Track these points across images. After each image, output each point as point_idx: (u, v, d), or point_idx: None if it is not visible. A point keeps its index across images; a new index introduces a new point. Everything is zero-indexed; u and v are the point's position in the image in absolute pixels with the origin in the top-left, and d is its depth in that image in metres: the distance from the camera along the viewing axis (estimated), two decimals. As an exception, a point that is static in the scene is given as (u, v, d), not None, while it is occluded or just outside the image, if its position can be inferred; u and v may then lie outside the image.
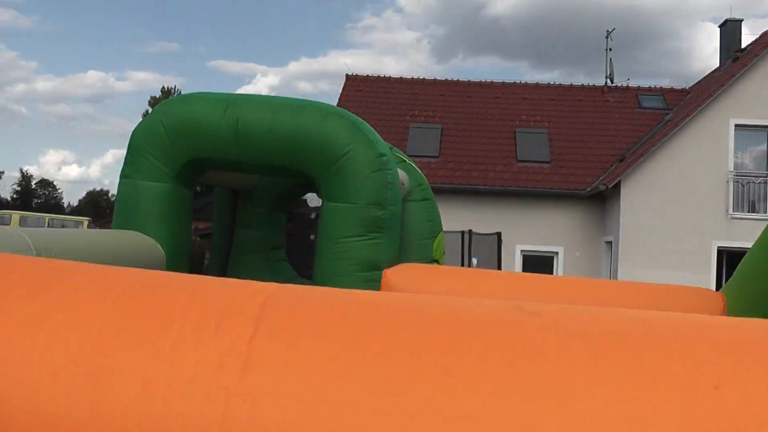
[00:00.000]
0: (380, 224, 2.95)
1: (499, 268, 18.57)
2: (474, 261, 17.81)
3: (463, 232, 17.92)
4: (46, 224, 33.89)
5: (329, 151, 2.94)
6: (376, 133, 3.04)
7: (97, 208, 65.64)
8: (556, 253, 21.29)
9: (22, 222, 34.56)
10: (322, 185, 3.00)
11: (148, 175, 3.11)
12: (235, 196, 3.95)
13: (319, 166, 2.97)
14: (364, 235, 2.94)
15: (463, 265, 17.43)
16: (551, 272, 21.11)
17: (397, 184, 3.03)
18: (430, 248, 3.94)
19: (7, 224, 34.05)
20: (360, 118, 3.05)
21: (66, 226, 33.89)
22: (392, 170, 2.97)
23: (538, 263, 21.28)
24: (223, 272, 4.05)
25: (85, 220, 37.04)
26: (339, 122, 2.95)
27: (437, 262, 4.01)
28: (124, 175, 3.17)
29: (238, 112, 3.02)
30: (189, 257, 3.29)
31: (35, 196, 70.41)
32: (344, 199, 2.94)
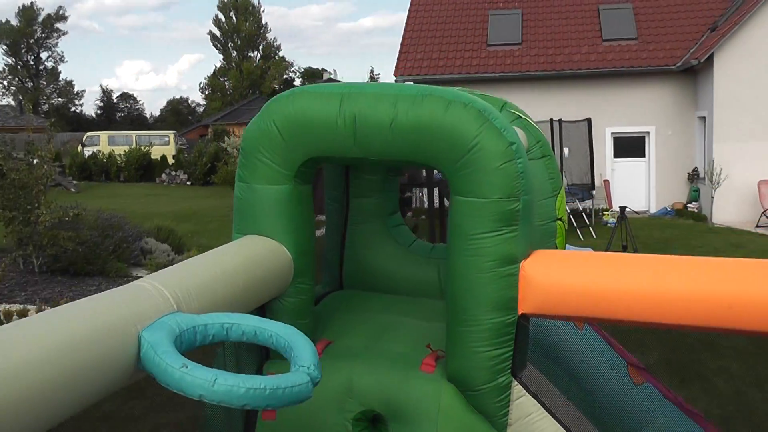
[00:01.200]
0: (514, 217, 2.79)
1: (591, 155, 18.18)
2: (565, 151, 17.43)
3: (552, 121, 17.50)
4: (134, 141, 34.64)
5: (456, 143, 2.76)
6: (504, 118, 2.83)
7: (178, 115, 66.53)
8: (648, 132, 20.78)
9: (111, 141, 35.47)
10: (450, 179, 2.84)
11: (265, 178, 3.00)
12: (346, 167, 3.81)
13: (446, 160, 2.80)
14: (498, 230, 2.78)
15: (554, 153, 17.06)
16: (643, 153, 20.59)
17: (528, 171, 2.84)
18: (553, 207, 3.76)
19: (96, 145, 34.91)
20: (487, 104, 2.84)
21: (153, 142, 34.57)
22: (522, 158, 2.78)
23: (629, 145, 20.78)
24: (341, 245, 3.96)
25: (171, 133, 37.76)
26: (464, 112, 2.76)
27: (561, 220, 3.83)
28: (240, 179, 3.07)
29: (355, 106, 2.85)
30: (314, 254, 3.20)
31: (118, 110, 71.70)
32: (475, 194, 2.78)
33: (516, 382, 2.93)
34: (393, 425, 3.01)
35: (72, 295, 11.28)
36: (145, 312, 2.12)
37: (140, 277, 9.78)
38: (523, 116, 3.79)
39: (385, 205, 3.96)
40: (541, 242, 3.72)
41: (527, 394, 2.94)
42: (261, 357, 3.23)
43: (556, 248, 3.82)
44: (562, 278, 2.83)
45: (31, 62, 73.88)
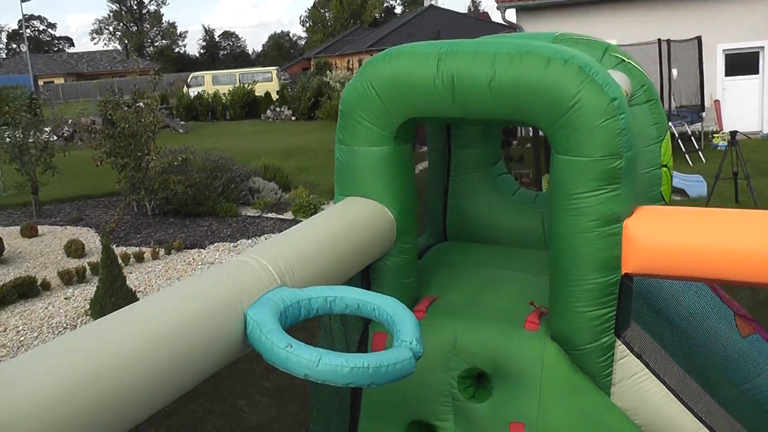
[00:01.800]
0: (617, 175, 2.73)
1: (701, 76, 17.48)
2: (674, 72, 16.82)
3: (660, 42, 16.87)
4: (237, 80, 35.14)
5: (556, 102, 2.71)
6: (606, 72, 2.75)
7: (281, 50, 66.91)
8: (762, 47, 19.82)
9: (215, 81, 36.11)
10: (551, 137, 2.79)
11: (365, 140, 3.01)
12: (447, 118, 3.79)
13: (546, 119, 2.75)
14: (600, 189, 2.73)
15: (661, 77, 16.58)
16: (756, 70, 19.71)
17: (631, 126, 2.77)
18: (658, 153, 3.66)
19: (201, 85, 35.57)
20: (588, 57, 2.77)
21: (256, 80, 35.01)
22: (625, 113, 2.71)
23: (742, 62, 19.88)
24: (444, 196, 3.97)
25: (273, 69, 38.12)
26: (564, 69, 2.70)
27: (666, 167, 3.73)
28: (340, 141, 3.09)
29: (453, 66, 2.82)
30: (417, 212, 3.22)
31: (220, 48, 72.61)
32: (576, 153, 2.73)
33: (620, 342, 2.91)
34: (497, 383, 3.04)
35: (184, 237, 11.67)
36: (250, 289, 2.18)
37: (250, 216, 9.99)
38: (627, 59, 3.68)
39: (486, 155, 3.93)
40: (646, 190, 3.65)
41: (631, 354, 2.92)
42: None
43: (662, 196, 3.74)
44: (666, 237, 2.77)
45: (135, 6, 75.36)
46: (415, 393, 3.14)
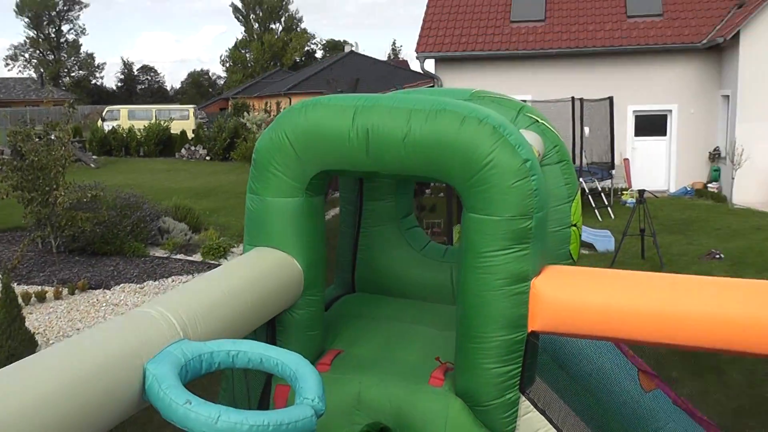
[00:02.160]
0: (527, 235, 2.77)
1: (612, 134, 18.01)
2: (586, 130, 17.29)
3: (573, 99, 17.33)
4: (153, 116, 34.70)
5: (469, 160, 2.74)
6: (519, 133, 2.80)
7: (199, 88, 66.57)
8: (670, 111, 20.53)
9: (131, 115, 35.53)
10: (463, 195, 2.82)
11: (277, 191, 2.99)
12: (360, 170, 3.79)
13: (459, 177, 2.78)
14: (510, 248, 2.77)
15: (574, 134, 16.99)
16: (664, 132, 20.38)
17: (543, 187, 2.81)
18: (568, 213, 3.73)
19: (116, 119, 34.98)
20: (502, 118, 2.81)
21: (173, 117, 34.61)
22: (537, 175, 2.75)
23: (651, 123, 20.57)
24: (353, 248, 3.95)
25: (191, 108, 37.78)
26: (479, 128, 2.73)
27: (575, 226, 3.80)
28: (251, 191, 3.06)
29: (369, 120, 2.83)
30: (325, 265, 3.19)
31: (138, 83, 71.85)
32: (487, 212, 2.76)
33: (524, 398, 2.93)
34: (400, 438, 3.02)
35: (89, 276, 11.36)
36: (151, 341, 2.12)
37: (158, 257, 9.74)
38: (540, 120, 3.75)
39: (398, 208, 3.95)
40: (555, 248, 3.70)
41: (535, 410, 2.93)
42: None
43: (570, 254, 3.80)
44: (573, 296, 2.81)
45: (53, 35, 74.04)
46: (318, 447, 3.08)
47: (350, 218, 3.93)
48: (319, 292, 3.15)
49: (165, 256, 12.84)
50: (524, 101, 4.11)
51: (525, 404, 2.94)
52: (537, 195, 2.77)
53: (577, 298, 2.81)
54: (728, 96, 19.09)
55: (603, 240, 13.05)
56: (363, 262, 3.93)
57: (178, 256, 12.79)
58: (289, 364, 2.24)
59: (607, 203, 17.13)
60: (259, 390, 3.20)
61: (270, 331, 3.15)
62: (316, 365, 3.18)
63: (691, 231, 14.81)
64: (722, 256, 12.15)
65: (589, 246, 12.99)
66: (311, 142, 2.90)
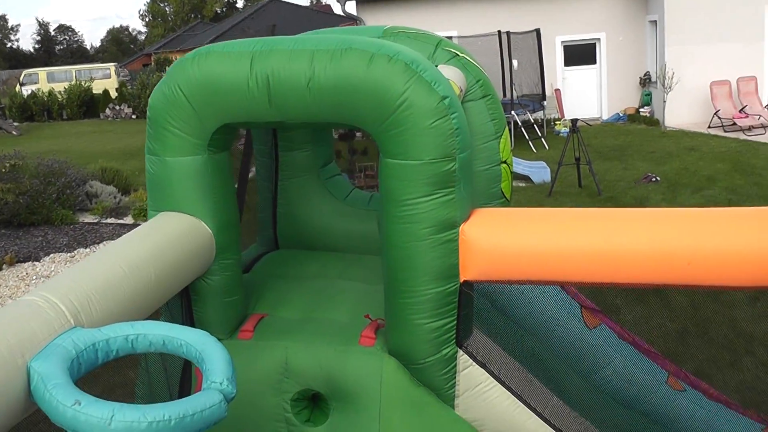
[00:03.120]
0: (451, 178, 2.56)
1: (541, 66, 17.89)
2: (515, 63, 17.12)
3: (500, 33, 17.14)
4: (74, 78, 33.60)
5: (381, 102, 2.50)
6: (435, 69, 2.57)
7: (120, 45, 64.79)
8: (598, 39, 20.51)
9: (50, 78, 34.36)
10: (378, 140, 2.59)
11: (177, 150, 2.72)
12: (274, 120, 3.53)
13: (372, 120, 2.54)
14: (433, 194, 2.55)
15: (503, 68, 16.84)
16: (594, 60, 20.36)
17: (464, 126, 2.60)
18: (497, 150, 3.53)
19: (36, 82, 33.81)
20: (416, 54, 2.57)
21: (94, 77, 33.57)
22: (457, 113, 2.53)
23: (580, 52, 20.52)
24: (273, 202, 3.71)
25: (112, 66, 36.68)
26: (389, 66, 2.49)
27: (506, 163, 3.61)
28: (150, 152, 2.79)
29: (268, 66, 2.57)
30: (238, 226, 2.95)
31: (56, 43, 69.60)
32: (405, 156, 2.53)
33: (462, 353, 2.74)
34: (334, 404, 2.83)
35: (17, 249, 10.91)
36: (36, 334, 1.87)
37: (88, 223, 9.32)
38: (461, 54, 3.52)
39: (317, 157, 3.70)
40: (486, 188, 3.51)
41: (474, 363, 2.76)
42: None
43: (502, 193, 3.62)
44: (505, 241, 2.62)
45: (-38, -2, 71.12)
46: (246, 419, 2.88)
47: (266, 171, 3.68)
48: (234, 254, 2.91)
49: (95, 221, 12.43)
50: (449, 38, 3.85)
51: (463, 359, 2.76)
52: (458, 134, 2.55)
53: (510, 242, 2.62)
54: (655, 21, 19.07)
55: (539, 171, 12.98)
56: (284, 216, 3.69)
57: (109, 221, 12.40)
58: (193, 344, 2.01)
59: (540, 134, 17.08)
60: (179, 373, 2.96)
61: (185, 301, 2.91)
62: (239, 332, 2.96)
63: (626, 156, 14.85)
64: (658, 179, 12.17)
65: (526, 178, 12.91)
66: (207, 94, 2.63)
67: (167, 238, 2.62)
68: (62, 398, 1.71)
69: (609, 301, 7.03)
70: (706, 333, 6.69)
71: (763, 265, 2.44)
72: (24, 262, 10.56)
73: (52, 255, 10.77)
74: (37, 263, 10.48)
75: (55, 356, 1.85)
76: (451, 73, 3.27)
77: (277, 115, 2.62)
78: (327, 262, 3.49)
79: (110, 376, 6.13)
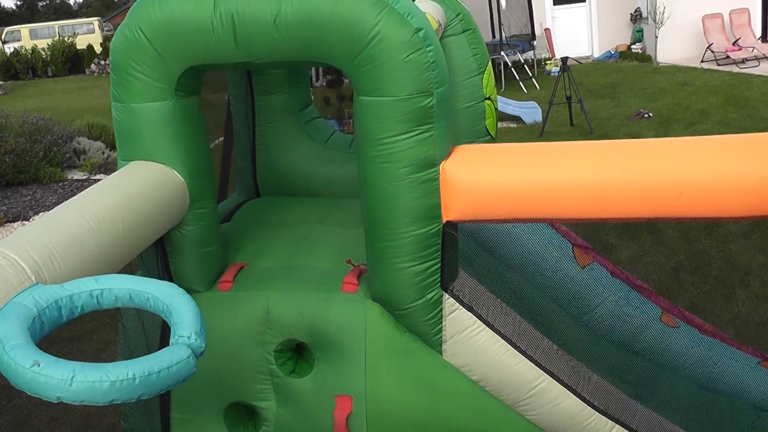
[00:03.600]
0: (429, 114, 2.44)
1: (530, 5, 17.63)
2: (503, 3, 16.87)
3: (486, -29, 16.83)
4: (57, 34, 33.13)
5: (352, 37, 2.38)
6: (409, 0, 2.43)
7: (104, -1, 63.75)
8: (587, -25, 20.17)
9: (33, 35, 33.91)
10: (350, 77, 2.47)
11: (142, 95, 2.59)
12: (248, 63, 3.40)
13: (343, 57, 2.42)
14: (411, 131, 2.44)
15: (491, 9, 16.57)
16: (583, -3, 20.05)
17: (442, 59, 2.47)
18: (480, 86, 3.42)
19: (18, 39, 33.37)
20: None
21: (77, 32, 33.13)
22: (433, 45, 2.40)
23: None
24: (251, 149, 3.60)
25: (95, 20, 36.16)
26: (358, -2, 2.36)
27: (490, 99, 3.49)
28: (115, 99, 2.66)
29: (232, 3, 2.44)
30: (212, 173, 2.84)
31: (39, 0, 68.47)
32: (380, 92, 2.41)
33: (448, 296, 2.65)
34: (319, 354, 2.74)
35: (5, 209, 10.81)
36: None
37: (77, 180, 9.22)
38: (438, -13, 3.39)
39: (294, 100, 3.58)
40: (470, 126, 3.41)
41: (461, 307, 2.66)
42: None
43: (487, 130, 3.51)
44: (488, 178, 2.51)
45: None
46: (229, 373, 2.80)
47: (243, 117, 3.56)
48: (209, 203, 2.81)
49: (84, 178, 12.32)
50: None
51: (449, 302, 2.67)
52: (435, 68, 2.43)
53: (493, 178, 2.51)
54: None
55: (530, 111, 12.84)
56: (263, 163, 3.58)
57: (98, 177, 12.27)
58: (160, 297, 1.90)
59: (531, 75, 16.90)
60: (158, 331, 2.87)
61: (160, 253, 2.81)
62: (218, 284, 2.86)
63: (618, 94, 14.70)
64: (651, 115, 12.05)
65: (517, 119, 12.77)
66: (171, 35, 2.50)
67: (136, 187, 2.51)
68: (21, 360, 1.61)
69: (602, 239, 6.97)
70: (701, 268, 6.64)
71: (757, 193, 2.34)
72: (13, 221, 10.47)
73: (42, 214, 10.66)
74: (26, 222, 10.38)
75: (14, 316, 1.75)
76: (428, 6, 3.14)
77: (244, 56, 2.50)
78: (308, 208, 3.39)
79: (107, 333, 6.08)
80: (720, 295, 6.27)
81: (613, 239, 7.09)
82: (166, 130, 2.64)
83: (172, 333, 1.82)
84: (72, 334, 6.12)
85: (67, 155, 12.90)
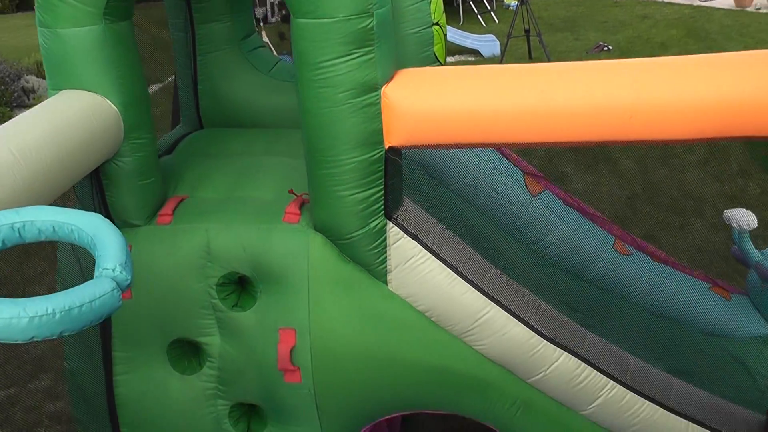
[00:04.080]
0: (369, 36, 2.35)
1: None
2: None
3: None
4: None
5: (285, -47, 2.26)
6: None
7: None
8: None
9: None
10: (287, -1, 2.36)
11: (69, 20, 2.46)
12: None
13: (278, -24, 2.30)
14: (350, 54, 2.35)
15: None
16: None
17: (381, -23, 2.37)
18: (427, 11, 3.32)
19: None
20: None
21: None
22: (373, -38, 2.30)
23: None
24: (193, 79, 3.48)
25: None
26: None
27: (438, 24, 3.39)
28: (41, 24, 2.53)
29: None
30: (148, 101, 2.73)
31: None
32: (316, 14, 2.31)
33: (392, 225, 2.59)
34: (261, 287, 2.68)
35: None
36: None
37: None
38: None
39: (236, 28, 3.46)
40: (417, 52, 3.32)
41: (406, 236, 2.61)
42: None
43: (435, 57, 3.42)
44: (431, 101, 2.44)
45: None
46: (171, 309, 2.73)
47: (183, 47, 3.43)
48: (146, 134, 2.70)
49: (33, 117, 11.99)
50: None
51: (394, 231, 2.61)
52: None
53: (437, 102, 2.44)
54: None
55: (488, 45, 12.72)
56: (206, 93, 3.47)
57: (48, 116, 11.97)
58: (85, 229, 1.82)
59: (489, 8, 16.68)
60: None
61: (96, 186, 2.71)
62: (157, 217, 2.77)
63: (578, 27, 14.59)
64: (610, 48, 11.99)
65: (475, 52, 12.64)
66: (93, -47, 2.37)
67: (65, 117, 2.40)
68: None
69: (558, 171, 6.95)
70: (656, 197, 6.65)
71: (707, 115, 2.29)
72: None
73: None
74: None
75: None
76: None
77: None
78: (252, 139, 3.30)
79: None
80: (675, 225, 6.30)
81: (569, 170, 7.08)
82: (97, 57, 2.52)
83: (96, 265, 1.74)
84: (25, 277, 6.02)
85: (16, 94, 12.58)
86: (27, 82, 12.94)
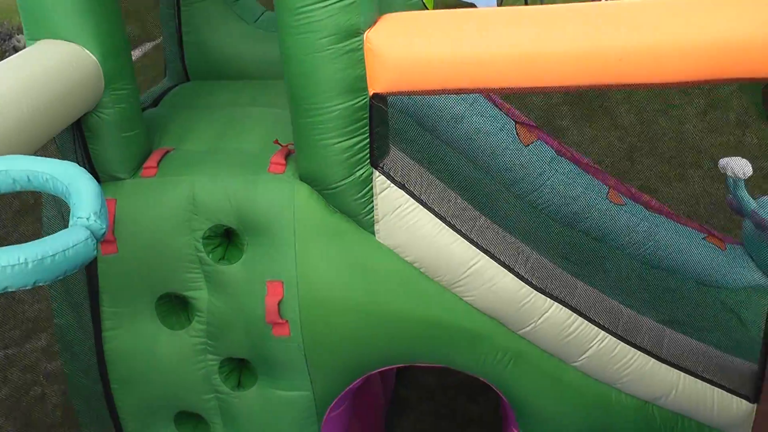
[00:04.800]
0: (350, -22, 2.28)
1: None
2: None
3: None
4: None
5: None
6: None
7: None
8: None
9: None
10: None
11: (44, -34, 2.40)
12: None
13: None
14: (330, -3, 2.28)
15: None
16: None
17: None
18: (413, -42, 3.24)
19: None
20: None
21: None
22: None
23: None
24: (177, 31, 3.42)
25: None
26: None
27: (426, -29, 3.32)
28: (16, -28, 2.47)
29: None
30: (129, 51, 2.67)
31: None
32: (298, -44, 2.24)
33: (378, 173, 2.55)
34: (248, 239, 2.65)
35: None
36: None
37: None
38: None
39: (222, -23, 3.39)
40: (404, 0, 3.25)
41: (393, 185, 2.56)
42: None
43: (423, 4, 3.35)
44: (416, 46, 2.37)
45: None
46: (158, 263, 2.70)
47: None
48: (127, 85, 2.65)
49: (26, 77, 11.90)
50: None
51: (380, 180, 2.57)
52: None
53: (422, 47, 2.37)
54: None
55: (485, -3, 12.53)
56: (191, 45, 3.41)
57: (41, 76, 11.87)
58: (60, 178, 1.78)
59: (487, -40, 16.45)
60: None
61: (78, 139, 2.67)
62: (142, 170, 2.73)
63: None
64: (608, -3, 11.81)
65: (470, 5, 12.47)
66: None
67: (43, 68, 2.35)
68: None
69: (554, 123, 6.89)
70: (655, 149, 6.60)
71: (697, 56, 2.24)
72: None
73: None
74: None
75: None
76: None
77: None
78: (238, 90, 3.25)
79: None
80: (674, 176, 6.25)
81: (566, 123, 7.01)
82: (75, 5, 2.46)
83: (71, 214, 1.70)
84: (21, 235, 6.00)
85: (7, 53, 12.46)
86: (18, 41, 12.80)
